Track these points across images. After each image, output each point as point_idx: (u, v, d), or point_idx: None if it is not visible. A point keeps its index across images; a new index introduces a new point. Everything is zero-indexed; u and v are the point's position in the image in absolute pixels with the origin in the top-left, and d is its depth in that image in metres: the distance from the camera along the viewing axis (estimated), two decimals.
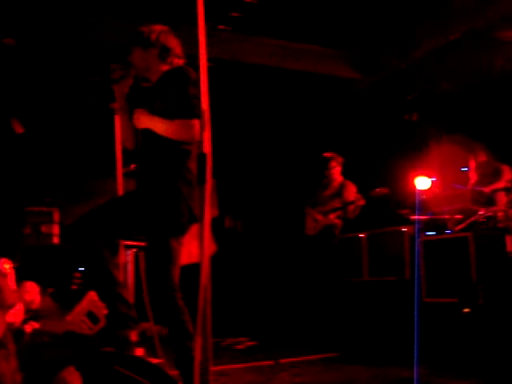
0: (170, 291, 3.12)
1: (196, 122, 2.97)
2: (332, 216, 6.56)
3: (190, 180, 3.14)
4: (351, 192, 6.70)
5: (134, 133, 3.43)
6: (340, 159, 6.96)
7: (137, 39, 3.37)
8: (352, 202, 6.50)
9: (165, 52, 3.35)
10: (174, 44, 3.39)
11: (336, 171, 6.91)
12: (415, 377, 4.03)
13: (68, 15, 6.70)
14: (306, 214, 6.99)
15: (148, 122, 3.21)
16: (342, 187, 6.77)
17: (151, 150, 3.26)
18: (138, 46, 3.36)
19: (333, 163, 6.89)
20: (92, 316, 3.33)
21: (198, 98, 2.90)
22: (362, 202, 6.51)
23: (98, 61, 6.09)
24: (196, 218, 3.14)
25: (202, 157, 1.99)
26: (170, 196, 3.11)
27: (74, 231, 3.08)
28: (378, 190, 6.44)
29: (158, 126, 3.16)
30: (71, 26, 6.75)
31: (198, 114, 2.91)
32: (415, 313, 5.08)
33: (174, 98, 3.15)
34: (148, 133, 3.23)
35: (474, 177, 6.43)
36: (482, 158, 6.40)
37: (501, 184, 5.93)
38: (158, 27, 3.40)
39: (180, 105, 3.11)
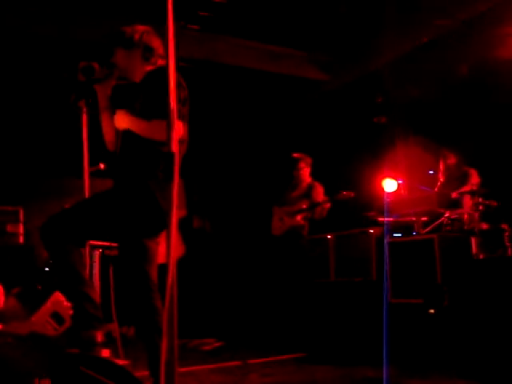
0: (145, 291, 3.11)
1: (177, 124, 2.97)
2: (299, 217, 6.58)
3: (162, 181, 3.12)
4: (319, 193, 6.70)
5: (116, 134, 3.39)
6: (309, 160, 6.94)
7: (119, 39, 3.33)
8: (319, 204, 6.52)
9: (148, 52, 3.32)
10: (157, 44, 3.35)
11: (305, 172, 6.90)
12: (384, 377, 4.06)
13: (39, 12, 6.61)
14: (272, 213, 6.99)
15: (129, 122, 3.18)
16: (310, 188, 6.76)
17: (130, 150, 3.23)
18: (121, 46, 3.32)
19: (301, 164, 6.86)
20: (57, 316, 3.29)
21: (180, 99, 2.95)
22: (328, 205, 6.53)
23: (67, 58, 6.01)
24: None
25: (169, 156, 1.97)
26: (147, 196, 3.09)
27: (46, 230, 3.04)
28: (344, 192, 6.44)
29: (139, 126, 3.14)
30: (40, 22, 6.66)
31: (178, 116, 2.94)
32: (384, 313, 5.13)
33: (155, 98, 3.12)
34: (128, 134, 3.21)
35: (442, 178, 6.51)
36: (452, 160, 6.48)
37: (467, 187, 6.02)
38: (141, 27, 3.36)
39: (160, 105, 3.09)
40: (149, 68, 3.34)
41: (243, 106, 9.23)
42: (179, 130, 3.00)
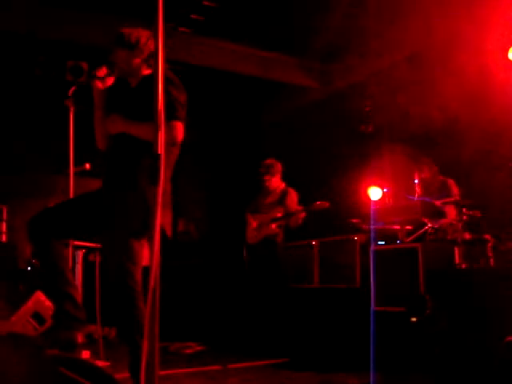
0: (129, 292, 3.09)
1: (178, 125, 3.00)
2: (273, 225, 6.53)
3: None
4: (293, 200, 6.64)
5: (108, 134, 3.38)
6: (279, 166, 6.82)
7: (123, 40, 3.32)
8: (293, 214, 6.47)
9: (151, 58, 3.30)
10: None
11: (276, 178, 6.79)
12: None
13: (25, 9, 6.58)
14: (245, 221, 6.95)
15: (124, 126, 3.19)
16: (283, 195, 6.68)
17: (122, 152, 3.22)
18: (125, 47, 3.31)
19: (272, 170, 6.74)
20: (38, 316, 3.27)
21: (180, 101, 3.01)
22: (303, 215, 6.48)
23: (53, 56, 5.98)
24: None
25: (155, 157, 1.97)
26: (135, 197, 3.08)
27: (33, 226, 3.02)
28: (318, 203, 6.36)
29: (137, 130, 3.13)
30: (25, 19, 6.63)
31: (179, 117, 3.00)
32: (371, 321, 5.15)
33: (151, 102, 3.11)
34: (120, 136, 3.20)
35: (419, 191, 6.56)
36: (425, 173, 6.54)
37: (452, 198, 6.06)
38: (146, 32, 3.35)
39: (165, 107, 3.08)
40: (146, 72, 3.36)
41: (231, 111, 9.24)
42: (181, 132, 3.02)
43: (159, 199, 1.97)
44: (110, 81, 3.36)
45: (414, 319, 5.09)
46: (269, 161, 6.77)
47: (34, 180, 8.18)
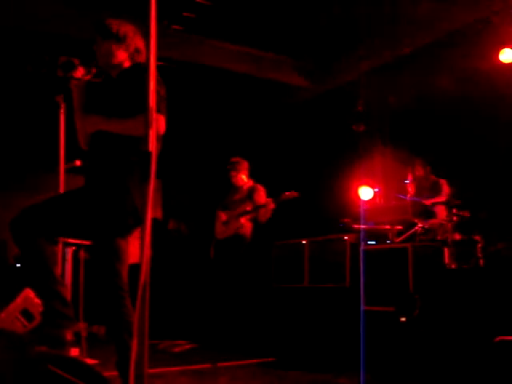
0: (116, 291, 3.07)
1: (160, 118, 2.96)
2: (242, 219, 6.54)
3: (138, 180, 3.09)
4: (261, 196, 6.63)
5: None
6: (245, 164, 6.88)
7: (109, 32, 3.26)
8: (263, 206, 6.44)
9: (136, 53, 3.31)
10: (142, 45, 3.31)
11: (241, 175, 6.82)
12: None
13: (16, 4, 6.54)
14: (215, 217, 6.94)
15: (100, 124, 3.15)
16: (251, 191, 6.69)
17: (102, 148, 3.20)
18: (111, 39, 3.26)
19: (237, 167, 6.80)
20: (27, 313, 3.24)
21: (160, 94, 2.97)
22: (272, 206, 6.44)
23: (44, 52, 5.93)
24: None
25: (146, 155, 1.96)
26: (119, 194, 3.06)
27: (16, 225, 2.99)
28: (287, 193, 6.28)
29: (113, 126, 3.10)
30: (17, 14, 6.58)
31: (160, 110, 2.96)
32: (361, 321, 5.16)
33: (133, 93, 3.08)
34: (101, 133, 3.17)
35: (412, 190, 6.59)
36: (419, 172, 6.56)
37: (442, 198, 6.09)
38: (131, 26, 3.32)
39: (140, 100, 3.04)
40: (127, 65, 3.32)
41: (222, 109, 9.22)
42: (162, 125, 3.00)
43: (150, 196, 1.96)
44: (86, 79, 3.32)
45: (403, 319, 5.10)
46: (235, 158, 6.83)
47: (23, 176, 8.15)
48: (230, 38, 7.72)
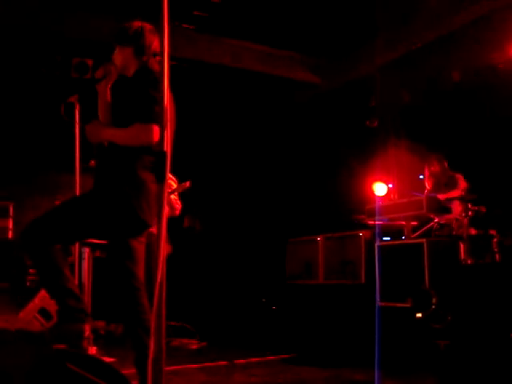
0: (131, 290, 3.09)
1: (154, 127, 2.87)
2: None
3: (140, 183, 3.09)
4: (170, 186, 5.77)
5: None
6: None
7: (129, 39, 3.25)
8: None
9: (140, 50, 3.24)
10: (154, 42, 3.26)
11: None
12: (376, 381, 4.09)
13: (30, 7, 6.59)
14: None
15: (104, 134, 3.15)
16: None
17: (109, 152, 3.20)
18: (131, 46, 3.25)
19: None
20: (45, 312, 3.28)
21: (157, 101, 2.76)
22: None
23: (55, 53, 5.96)
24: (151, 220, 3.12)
25: (161, 155, 1.98)
26: (127, 198, 3.06)
27: (27, 238, 2.99)
28: (179, 185, 5.56)
29: (116, 137, 3.10)
30: (31, 15, 6.63)
31: (155, 119, 2.83)
32: (376, 317, 5.15)
33: (134, 100, 3.08)
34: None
35: (429, 185, 6.55)
36: (435, 167, 6.51)
37: (456, 193, 6.04)
38: (152, 34, 3.25)
39: (139, 108, 3.01)
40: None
41: (234, 107, 9.23)
42: (157, 135, 2.85)
43: (165, 196, 1.98)
44: (109, 81, 3.31)
45: (419, 315, 5.09)
46: None
47: (40, 177, 8.21)
48: (240, 36, 7.73)
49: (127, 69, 3.32)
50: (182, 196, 5.81)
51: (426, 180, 6.56)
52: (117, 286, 3.15)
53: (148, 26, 3.31)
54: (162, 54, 2.10)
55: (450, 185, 6.29)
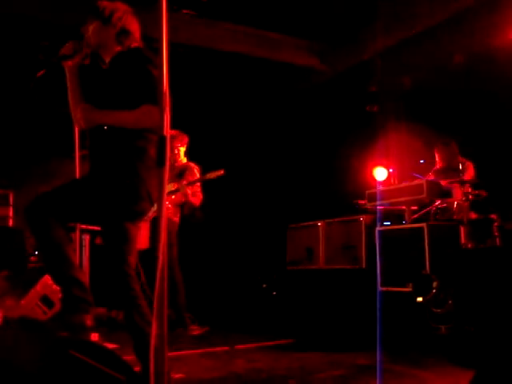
0: (125, 275, 3.08)
1: (156, 110, 2.85)
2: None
3: (149, 165, 3.08)
4: (194, 175, 6.00)
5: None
6: (185, 138, 6.10)
7: (97, 12, 3.17)
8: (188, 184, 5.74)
9: (123, 34, 3.18)
10: (135, 27, 3.24)
11: (179, 151, 6.08)
12: (378, 364, 4.10)
13: None
14: None
15: (98, 118, 3.10)
16: (184, 170, 6.01)
17: (106, 134, 3.16)
18: (99, 19, 3.17)
19: (176, 143, 6.01)
20: (47, 300, 3.28)
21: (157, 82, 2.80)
22: (198, 185, 5.91)
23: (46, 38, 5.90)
24: (153, 203, 3.11)
25: (161, 139, 1.96)
26: (129, 180, 3.06)
27: (30, 212, 3.00)
28: (213, 172, 5.53)
29: (121, 120, 3.06)
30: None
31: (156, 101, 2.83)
32: (378, 301, 5.16)
33: (134, 82, 3.04)
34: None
35: (438, 165, 6.53)
36: (445, 153, 6.47)
37: (457, 178, 6.02)
38: (123, 6, 3.22)
39: (143, 89, 2.98)
40: (118, 49, 3.21)
41: (234, 93, 9.20)
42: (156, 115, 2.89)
43: (165, 181, 1.96)
44: (79, 59, 3.23)
45: (419, 299, 5.10)
46: (174, 132, 5.86)
47: (40, 165, 8.19)
48: (240, 20, 7.67)
49: (104, 48, 3.23)
50: None
51: (437, 163, 6.54)
52: (108, 270, 3.11)
53: (130, 10, 3.26)
54: (160, 38, 2.07)
55: (459, 171, 6.22)
